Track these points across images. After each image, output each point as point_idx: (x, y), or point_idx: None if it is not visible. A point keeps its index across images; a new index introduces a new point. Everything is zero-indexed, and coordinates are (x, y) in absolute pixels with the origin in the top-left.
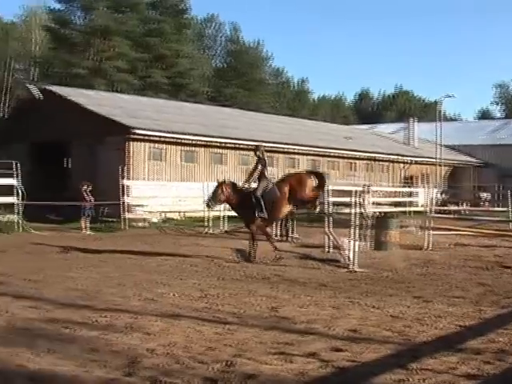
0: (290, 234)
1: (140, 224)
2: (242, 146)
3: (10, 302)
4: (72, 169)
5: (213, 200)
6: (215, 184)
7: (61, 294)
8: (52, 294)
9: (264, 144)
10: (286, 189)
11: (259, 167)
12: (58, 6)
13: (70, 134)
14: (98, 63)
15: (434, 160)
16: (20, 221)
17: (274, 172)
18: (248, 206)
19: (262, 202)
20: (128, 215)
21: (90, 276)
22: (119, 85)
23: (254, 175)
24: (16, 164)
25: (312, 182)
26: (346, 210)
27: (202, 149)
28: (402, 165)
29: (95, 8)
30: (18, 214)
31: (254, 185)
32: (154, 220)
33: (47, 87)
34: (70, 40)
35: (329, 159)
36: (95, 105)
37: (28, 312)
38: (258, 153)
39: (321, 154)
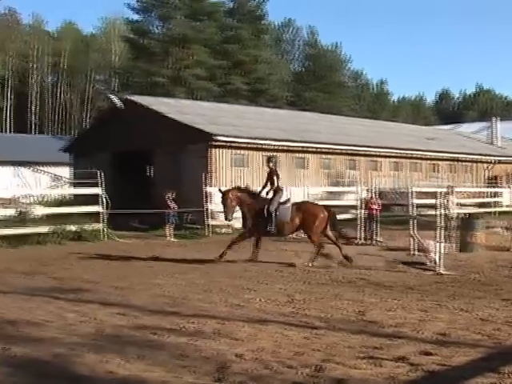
0: (375, 237)
1: (224, 230)
2: (323, 150)
3: (97, 309)
4: (155, 177)
5: (228, 211)
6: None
7: (148, 300)
8: (139, 301)
9: (346, 147)
10: (298, 220)
11: (275, 179)
12: (136, 16)
13: (152, 143)
14: (178, 71)
15: None
16: (105, 229)
17: (356, 175)
18: (258, 215)
19: (274, 218)
20: (212, 221)
21: (176, 283)
22: (199, 92)
23: (270, 187)
24: (100, 173)
25: (325, 218)
26: (430, 212)
27: (284, 153)
28: (485, 165)
29: (173, 17)
30: (103, 222)
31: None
32: (238, 226)
33: (128, 97)
34: (149, 49)
35: (411, 161)
36: (176, 113)
37: (116, 319)
38: (271, 164)
39: (403, 155)
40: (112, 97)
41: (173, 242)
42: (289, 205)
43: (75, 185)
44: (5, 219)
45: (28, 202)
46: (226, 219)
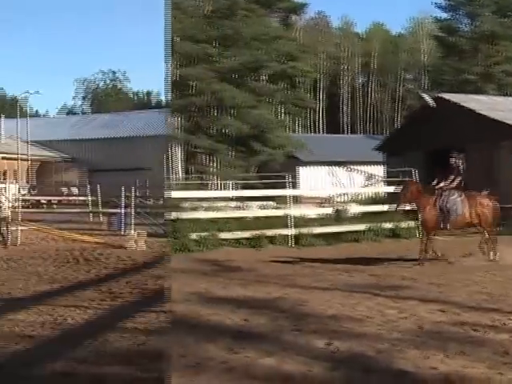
0: None
1: None
2: None
3: (416, 305)
4: (466, 174)
5: (398, 201)
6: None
7: (466, 297)
8: (458, 298)
9: None
10: (468, 214)
11: (457, 178)
12: (444, 15)
13: (463, 140)
14: (487, 68)
15: None
16: (419, 226)
17: None
18: (429, 212)
19: (449, 214)
20: None
21: (494, 279)
22: (509, 88)
23: (451, 185)
24: (415, 171)
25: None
26: None
27: None
28: None
29: (480, 14)
30: (417, 220)
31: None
32: None
33: (439, 95)
34: (458, 47)
35: None
36: (488, 109)
37: (436, 315)
38: (454, 161)
39: None
40: (424, 95)
41: None
42: (460, 198)
43: (389, 183)
44: (321, 218)
45: (342, 200)
46: (396, 208)
